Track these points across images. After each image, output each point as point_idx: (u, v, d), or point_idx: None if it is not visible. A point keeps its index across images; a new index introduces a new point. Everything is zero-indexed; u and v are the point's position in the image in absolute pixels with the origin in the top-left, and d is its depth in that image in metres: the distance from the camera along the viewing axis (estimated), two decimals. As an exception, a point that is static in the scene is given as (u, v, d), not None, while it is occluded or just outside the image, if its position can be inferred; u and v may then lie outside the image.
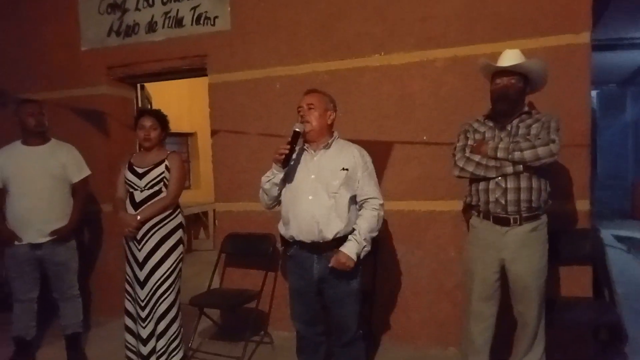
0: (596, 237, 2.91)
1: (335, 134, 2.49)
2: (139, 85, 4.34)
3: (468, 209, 2.71)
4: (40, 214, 3.13)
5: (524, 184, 2.40)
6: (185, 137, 8.10)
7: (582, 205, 2.92)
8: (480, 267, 2.54)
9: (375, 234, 2.39)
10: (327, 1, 3.42)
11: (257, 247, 3.45)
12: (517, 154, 2.35)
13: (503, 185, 2.42)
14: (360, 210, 2.40)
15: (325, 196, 2.30)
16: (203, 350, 3.35)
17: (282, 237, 2.52)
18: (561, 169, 2.85)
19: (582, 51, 2.89)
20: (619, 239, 6.78)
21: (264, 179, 2.47)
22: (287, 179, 2.42)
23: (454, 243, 3.17)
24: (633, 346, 2.72)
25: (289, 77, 3.54)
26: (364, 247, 2.33)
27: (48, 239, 3.15)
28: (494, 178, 2.43)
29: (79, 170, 3.30)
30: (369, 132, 3.28)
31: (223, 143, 3.76)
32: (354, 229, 2.34)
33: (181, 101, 7.31)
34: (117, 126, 4.19)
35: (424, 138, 3.23)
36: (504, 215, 2.43)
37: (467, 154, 2.51)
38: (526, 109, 2.52)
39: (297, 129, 2.35)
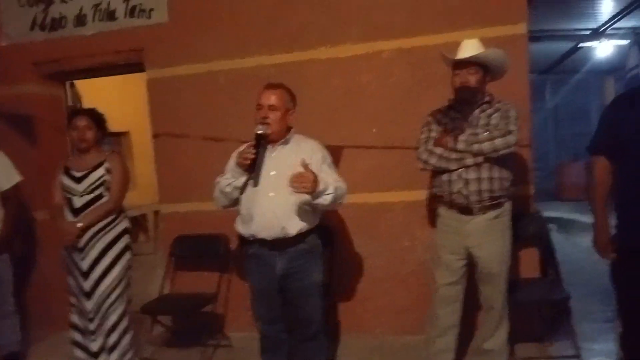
0: (541, 220, 3.05)
1: (292, 129, 2.44)
2: (68, 83, 4.05)
3: (434, 199, 2.74)
4: (-34, 227, 2.85)
5: (484, 174, 2.45)
6: (117, 137, 7.72)
7: (526, 189, 3.06)
8: (446, 253, 2.60)
9: (337, 199, 2.26)
10: (269, -10, 3.35)
11: (209, 248, 3.34)
12: (476, 146, 2.41)
13: (464, 177, 2.46)
14: None
15: (287, 192, 2.24)
16: (157, 359, 3.20)
17: (240, 236, 2.43)
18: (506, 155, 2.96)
19: (521, 40, 3.01)
20: (548, 220, 7.23)
21: (223, 181, 2.36)
22: (252, 182, 2.30)
23: (407, 232, 3.22)
24: (576, 318, 2.88)
25: (233, 71, 3.43)
26: (326, 190, 2.18)
27: (-24, 253, 2.88)
28: (455, 170, 2.48)
29: (8, 177, 3.03)
30: (318, 126, 3.22)
31: (166, 142, 3.59)
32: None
33: (111, 99, 6.95)
34: (46, 127, 3.89)
35: (374, 130, 3.25)
36: (467, 205, 2.49)
37: (430, 147, 2.54)
38: (487, 98, 2.56)
39: (259, 132, 2.24)
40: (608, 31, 6.84)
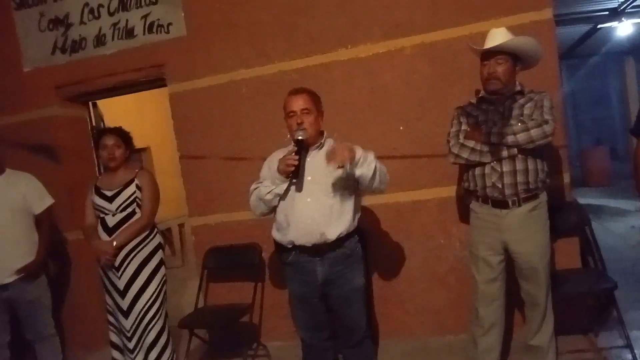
0: (581, 208, 2.96)
1: (325, 132, 2.41)
2: (90, 103, 4.09)
3: (466, 194, 2.68)
4: (3, 251, 2.88)
5: (519, 166, 2.38)
6: (137, 153, 7.80)
7: (563, 178, 2.97)
8: (483, 250, 2.53)
9: (382, 172, 2.24)
10: (287, -3, 3.33)
11: (242, 258, 3.33)
12: (510, 138, 2.33)
13: (499, 169, 2.40)
14: None
15: (324, 197, 2.22)
16: (197, 373, 3.20)
17: (277, 244, 2.40)
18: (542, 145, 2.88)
19: (547, 26, 2.94)
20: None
21: (263, 189, 2.32)
22: (296, 188, 2.28)
23: (442, 230, 3.16)
24: (622, 306, 2.79)
25: (255, 79, 3.42)
26: (367, 158, 2.17)
27: (15, 277, 2.90)
28: (489, 163, 2.41)
29: (41, 200, 3.06)
30: (344, 128, 3.20)
31: (191, 154, 3.59)
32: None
33: (129, 116, 7.03)
34: (72, 148, 3.93)
35: (401, 128, 3.20)
36: (502, 199, 2.42)
37: (461, 140, 2.48)
38: (518, 88, 2.49)
39: (300, 137, 2.22)
40: (627, 10, 6.68)
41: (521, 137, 2.32)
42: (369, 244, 3.12)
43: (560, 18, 6.49)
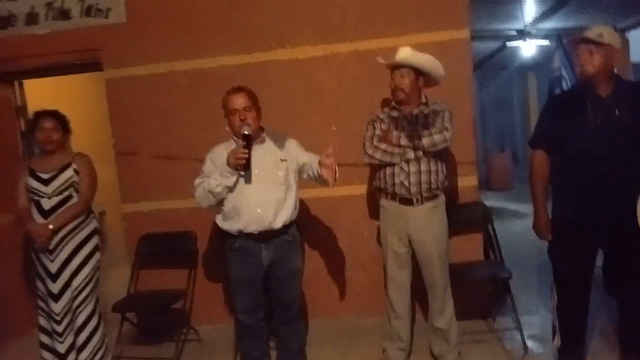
0: (485, 208, 3.39)
1: (264, 128, 2.59)
2: (17, 83, 3.93)
3: (376, 191, 2.98)
4: None
5: (424, 167, 2.72)
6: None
7: (471, 180, 3.39)
8: (391, 240, 2.84)
9: None
10: (226, -11, 3.45)
11: (179, 245, 3.42)
12: (416, 141, 2.67)
13: (406, 169, 2.72)
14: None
15: (272, 187, 2.41)
16: (128, 356, 3.25)
17: (223, 232, 2.55)
18: (453, 149, 3.25)
19: (464, 44, 3.33)
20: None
21: (212, 182, 2.42)
22: (244, 180, 2.43)
23: (366, 221, 3.46)
24: (515, 294, 3.24)
25: (194, 71, 3.51)
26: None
27: (-64, 259, 2.80)
28: (398, 163, 2.73)
29: None
30: (279, 123, 3.35)
31: (125, 142, 3.61)
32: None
33: (43, 99, 6.70)
34: (-6, 128, 3.78)
35: (333, 128, 3.45)
36: (408, 197, 2.74)
37: (375, 143, 2.78)
38: (424, 100, 2.84)
39: (246, 132, 2.37)
40: (532, 32, 7.47)
41: (426, 141, 2.66)
42: (301, 232, 3.35)
43: (475, 34, 7.11)
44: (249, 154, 2.36)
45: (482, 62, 10.26)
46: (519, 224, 6.40)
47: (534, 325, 3.25)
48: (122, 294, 3.37)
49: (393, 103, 2.87)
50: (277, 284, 2.56)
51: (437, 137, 2.66)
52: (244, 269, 2.52)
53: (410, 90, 2.76)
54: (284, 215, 2.47)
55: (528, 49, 7.94)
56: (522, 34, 7.53)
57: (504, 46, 8.31)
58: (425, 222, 2.76)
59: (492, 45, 8.43)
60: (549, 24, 7.10)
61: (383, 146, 2.74)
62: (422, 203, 2.74)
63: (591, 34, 2.28)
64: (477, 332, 3.24)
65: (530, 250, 4.72)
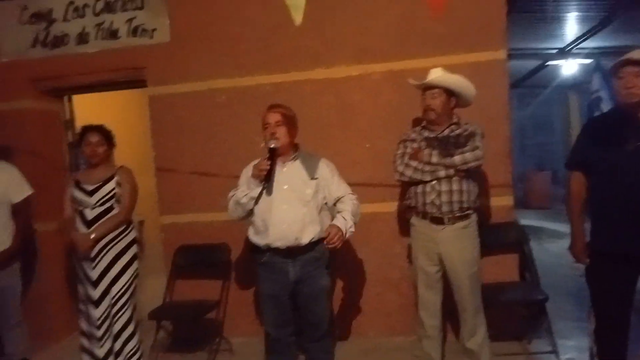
0: (520, 228, 3.35)
1: (299, 147, 2.66)
2: (66, 97, 4.16)
3: (408, 210, 2.99)
4: (-21, 238, 2.94)
5: (455, 186, 2.72)
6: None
7: (507, 200, 3.35)
8: (421, 259, 2.84)
9: (356, 218, 2.57)
10: (265, 15, 3.55)
11: (213, 257, 3.51)
12: (448, 159, 2.68)
13: (437, 188, 2.72)
14: (336, 205, 2.61)
15: (299, 204, 2.47)
16: (163, 364, 3.34)
17: (253, 245, 2.62)
18: (488, 169, 3.23)
19: (501, 65, 3.32)
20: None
21: (239, 193, 2.54)
22: (268, 192, 2.51)
23: (398, 239, 3.46)
24: (552, 318, 3.16)
25: (232, 89, 3.63)
26: (350, 226, 2.50)
27: (-12, 264, 2.97)
28: (429, 181, 2.73)
29: (21, 190, 3.14)
30: (313, 141, 3.42)
31: (165, 156, 3.75)
32: (339, 212, 2.54)
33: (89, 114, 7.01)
34: (43, 140, 4.00)
35: (367, 146, 3.49)
36: (439, 216, 2.74)
37: (406, 161, 2.80)
38: (455, 119, 2.85)
39: (272, 146, 2.47)
40: (573, 51, 7.32)
41: (457, 159, 2.67)
42: (331, 251, 3.38)
43: (514, 52, 7.04)
44: (272, 166, 2.44)
45: (521, 80, 10.10)
46: (556, 245, 6.21)
47: (570, 350, 3.16)
48: (157, 303, 3.47)
49: (424, 123, 2.89)
50: (304, 302, 2.59)
51: (468, 155, 2.67)
52: (270, 284, 2.58)
53: (442, 110, 2.78)
54: (311, 232, 2.51)
55: (569, 67, 7.80)
56: (563, 53, 7.40)
57: (544, 64, 8.17)
58: (456, 243, 2.75)
59: (532, 63, 8.30)
60: (592, 43, 6.95)
61: (414, 164, 2.76)
62: (453, 223, 2.74)
63: (637, 55, 2.23)
64: (510, 354, 3.17)
65: (568, 272, 4.58)
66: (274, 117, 2.56)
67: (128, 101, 6.20)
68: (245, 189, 2.53)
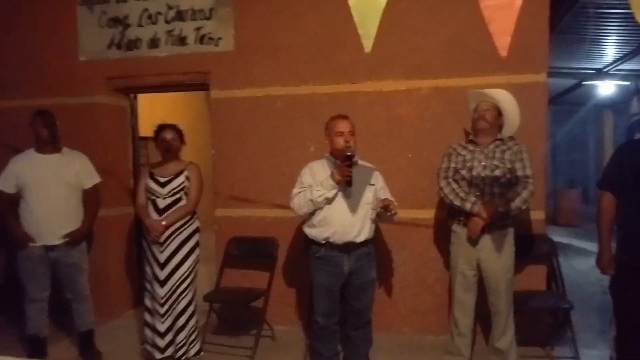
0: (550, 241, 3.56)
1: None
2: (132, 95, 4.55)
3: (449, 217, 3.23)
4: (55, 219, 3.32)
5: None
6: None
7: (539, 214, 3.57)
8: (460, 264, 3.08)
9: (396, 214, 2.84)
10: (325, 29, 3.84)
11: (262, 249, 3.82)
12: (512, 205, 2.89)
13: (481, 199, 2.95)
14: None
15: (358, 206, 2.76)
16: (211, 342, 3.65)
17: (309, 240, 2.91)
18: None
19: (541, 88, 3.54)
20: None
21: (315, 193, 2.77)
22: (344, 194, 2.80)
23: (435, 244, 3.71)
24: (576, 329, 3.36)
25: (289, 97, 3.93)
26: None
27: (62, 241, 3.34)
28: (458, 205, 2.96)
29: (91, 177, 3.51)
30: (361, 148, 3.71)
31: (223, 154, 4.09)
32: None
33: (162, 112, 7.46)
34: (111, 133, 4.39)
35: (409, 155, 3.75)
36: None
37: (456, 188, 3.00)
38: (500, 137, 3.08)
39: (349, 153, 2.75)
40: (610, 72, 7.44)
41: (520, 201, 2.90)
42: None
43: (551, 70, 7.19)
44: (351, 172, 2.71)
45: (557, 98, 10.20)
46: (583, 262, 6.36)
47: (592, 359, 3.36)
48: (206, 290, 3.78)
49: (470, 136, 3.13)
50: (353, 292, 2.89)
51: (526, 194, 2.90)
52: (325, 276, 2.86)
53: (492, 121, 3.02)
54: (366, 231, 2.82)
55: (606, 88, 7.90)
56: (600, 73, 7.52)
57: (581, 83, 8.29)
58: (496, 251, 2.97)
59: (569, 82, 8.42)
60: (630, 65, 7.07)
61: (454, 185, 2.99)
62: (493, 232, 2.96)
63: None
64: (534, 357, 3.40)
65: (594, 289, 4.77)
66: (348, 126, 2.87)
67: (181, 102, 6.64)
68: (321, 189, 2.77)
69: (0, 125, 4.35)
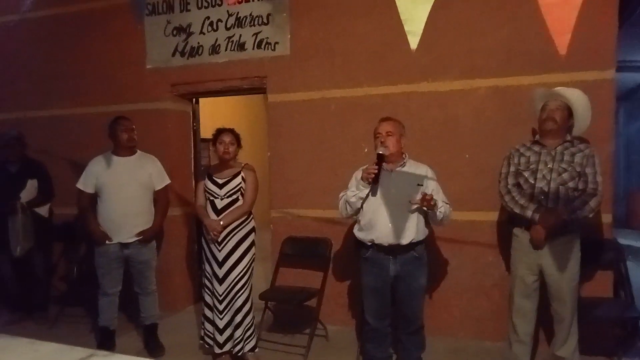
0: (618, 246, 3.38)
1: (406, 154, 2.94)
2: (193, 100, 4.75)
3: (510, 220, 3.13)
4: (130, 218, 3.54)
5: (561, 204, 2.82)
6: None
7: (607, 218, 3.39)
8: (521, 269, 2.98)
9: (446, 218, 2.84)
10: (379, 32, 3.85)
11: (316, 249, 3.88)
12: (579, 213, 2.78)
13: (544, 204, 2.84)
14: None
15: (402, 208, 2.76)
16: (266, 339, 3.76)
17: (358, 241, 2.94)
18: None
19: (607, 86, 3.36)
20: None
21: (349, 193, 2.88)
22: (373, 193, 2.84)
23: (492, 248, 3.62)
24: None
25: (343, 99, 3.97)
26: (440, 206, 2.77)
27: (135, 239, 3.55)
28: (518, 212, 2.88)
29: (162, 179, 3.71)
30: (418, 150, 3.66)
31: (279, 156, 4.19)
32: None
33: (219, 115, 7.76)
34: (176, 137, 4.61)
35: (466, 156, 3.68)
36: None
37: (515, 196, 2.92)
38: (569, 138, 2.95)
39: (380, 152, 2.78)
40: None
41: (587, 210, 2.78)
42: (428, 253, 3.62)
43: (624, 65, 6.78)
44: (379, 171, 2.73)
45: (631, 94, 9.59)
46: (660, 269, 5.96)
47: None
48: (258, 287, 3.85)
49: (536, 137, 3.01)
50: (402, 297, 2.88)
51: (594, 203, 2.78)
52: (372, 277, 2.89)
53: (561, 123, 2.89)
54: (411, 233, 2.79)
55: (685, 82, 7.34)
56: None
57: (657, 78, 7.75)
58: (560, 258, 2.85)
59: (643, 76, 7.90)
60: None
61: (522, 201, 2.89)
62: (558, 238, 2.84)
63: None
64: (599, 367, 3.24)
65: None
66: (385, 128, 2.88)
67: (241, 105, 6.82)
68: (355, 189, 2.86)
69: (76, 130, 4.69)
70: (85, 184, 3.58)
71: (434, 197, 2.72)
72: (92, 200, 3.59)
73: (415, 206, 2.76)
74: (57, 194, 4.35)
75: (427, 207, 2.72)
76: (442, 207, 2.78)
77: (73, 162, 4.47)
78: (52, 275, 4.60)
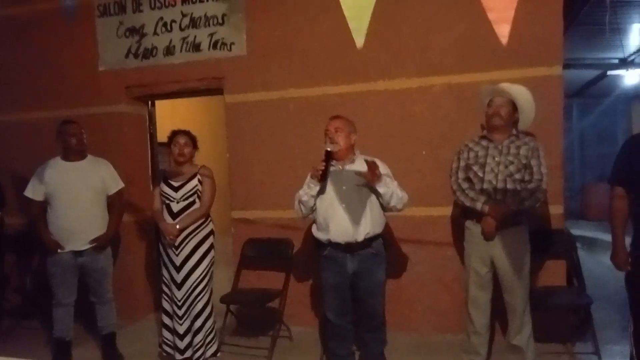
0: (569, 236, 3.49)
1: (357, 150, 2.95)
2: (149, 102, 4.65)
3: (463, 214, 3.20)
4: (83, 224, 3.42)
5: (509, 196, 2.90)
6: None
7: (557, 209, 3.50)
8: (474, 261, 3.04)
9: (398, 201, 2.84)
10: (335, 30, 3.83)
11: (277, 250, 3.86)
12: (526, 204, 2.86)
13: (493, 197, 2.91)
14: None
15: (355, 204, 2.77)
16: (229, 343, 3.71)
17: (316, 240, 2.95)
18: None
19: (556, 82, 3.47)
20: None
21: (300, 192, 2.90)
22: (321, 191, 2.85)
23: (451, 243, 3.68)
24: (597, 326, 3.28)
25: (302, 99, 3.97)
26: (387, 182, 2.78)
27: (89, 246, 3.44)
28: (468, 205, 2.95)
29: (115, 183, 3.61)
30: (375, 148, 3.69)
31: (239, 157, 4.14)
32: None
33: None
34: (131, 141, 4.50)
35: (423, 152, 3.73)
36: None
37: (464, 187, 2.99)
38: (514, 132, 3.04)
39: (328, 149, 2.79)
40: (636, 61, 7.24)
41: (531, 202, 2.86)
42: (387, 250, 3.65)
43: (574, 62, 7.04)
44: (327, 167, 2.74)
45: (582, 90, 9.96)
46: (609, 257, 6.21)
47: (613, 354, 3.29)
48: (221, 290, 3.80)
49: (484, 132, 3.09)
50: (360, 295, 2.89)
51: (539, 194, 2.87)
52: (331, 275, 2.90)
53: (507, 118, 2.97)
54: (366, 227, 2.80)
55: (631, 78, 7.68)
56: (624, 63, 7.32)
57: (605, 75, 8.08)
58: (509, 247, 2.93)
59: (592, 73, 8.21)
60: (655, 54, 6.87)
61: (471, 194, 2.95)
62: (506, 229, 2.92)
63: None
64: (554, 353, 3.34)
65: (620, 284, 4.63)
66: (334, 124, 2.91)
67: (201, 107, 6.73)
68: (306, 188, 2.87)
69: (26, 136, 4.51)
70: (33, 191, 3.45)
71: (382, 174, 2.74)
72: (42, 208, 3.46)
73: (364, 181, 2.77)
74: (7, 203, 4.17)
75: (372, 180, 2.71)
76: (391, 185, 2.80)
77: (23, 170, 4.29)
78: (5, 287, 4.40)
